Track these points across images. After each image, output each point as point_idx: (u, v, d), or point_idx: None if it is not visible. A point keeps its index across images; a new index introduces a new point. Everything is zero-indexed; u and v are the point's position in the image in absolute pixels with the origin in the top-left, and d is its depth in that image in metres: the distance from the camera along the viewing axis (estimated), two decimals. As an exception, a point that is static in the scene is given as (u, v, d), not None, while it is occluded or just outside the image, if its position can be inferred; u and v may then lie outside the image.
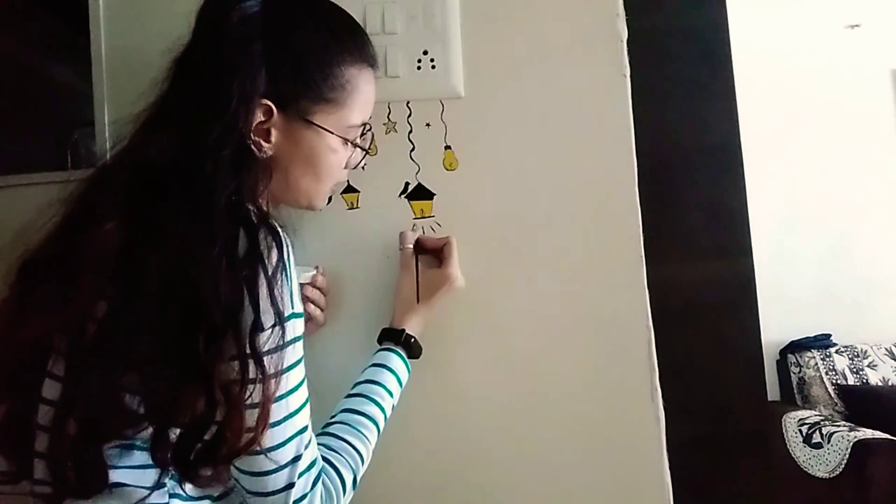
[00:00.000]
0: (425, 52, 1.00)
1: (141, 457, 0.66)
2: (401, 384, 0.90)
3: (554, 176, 1.00)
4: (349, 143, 0.83)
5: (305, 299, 0.94)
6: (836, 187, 3.38)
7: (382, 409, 0.85)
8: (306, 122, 0.78)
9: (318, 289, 0.97)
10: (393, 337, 0.92)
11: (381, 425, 0.84)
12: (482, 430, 0.99)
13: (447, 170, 1.01)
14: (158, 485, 0.65)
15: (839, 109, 3.39)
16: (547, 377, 0.99)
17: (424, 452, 0.98)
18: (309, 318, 0.95)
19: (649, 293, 0.98)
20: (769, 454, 1.08)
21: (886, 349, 3.13)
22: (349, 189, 1.00)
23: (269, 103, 0.75)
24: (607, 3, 1.01)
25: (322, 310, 0.98)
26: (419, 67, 1.00)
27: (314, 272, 0.96)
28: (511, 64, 1.01)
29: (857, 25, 3.31)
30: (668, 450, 0.97)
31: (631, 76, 1.00)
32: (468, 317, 0.99)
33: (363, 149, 0.87)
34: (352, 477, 0.77)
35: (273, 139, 0.77)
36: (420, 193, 1.01)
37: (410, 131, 1.01)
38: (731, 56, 1.09)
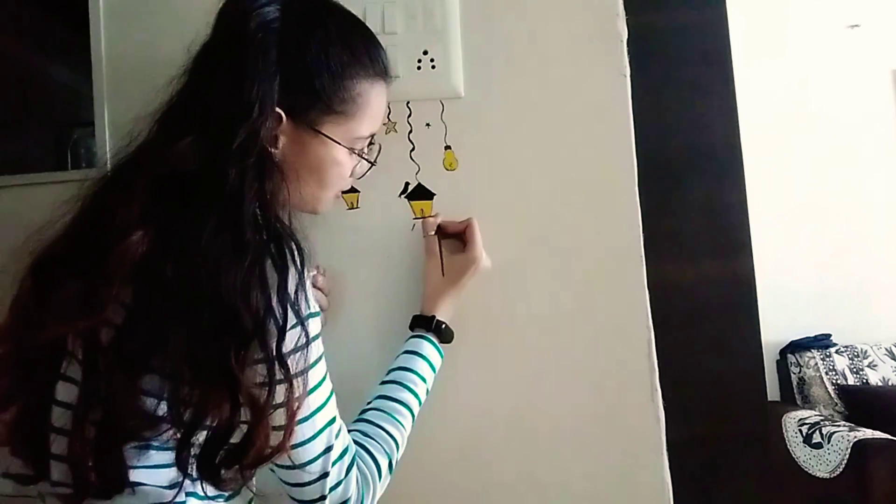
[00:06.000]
0: (425, 52, 1.00)
1: (157, 456, 0.67)
2: (434, 370, 0.92)
3: (554, 176, 1.00)
4: (355, 154, 0.83)
5: None
6: (836, 187, 3.38)
7: (416, 395, 0.88)
8: (315, 131, 0.78)
9: (319, 289, 0.97)
10: (424, 324, 0.94)
11: (416, 410, 0.87)
12: (481, 429, 0.99)
13: (447, 170, 1.01)
14: (175, 484, 0.67)
15: (839, 109, 3.39)
16: (547, 377, 0.99)
17: (423, 452, 0.98)
18: None
19: (649, 293, 0.98)
20: (769, 454, 1.07)
21: (886, 349, 3.13)
22: (349, 189, 1.00)
23: (281, 111, 0.75)
24: (607, 3, 1.01)
25: (323, 310, 0.98)
26: (419, 67, 1.00)
27: (314, 272, 0.96)
28: (511, 64, 1.01)
29: (857, 25, 3.31)
30: (668, 450, 0.97)
31: (631, 76, 1.00)
32: (468, 317, 0.99)
33: (369, 161, 0.87)
34: (387, 461, 0.80)
35: (280, 145, 0.77)
36: (420, 193, 1.01)
37: (410, 131, 1.01)
38: (731, 56, 1.09)
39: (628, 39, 1.00)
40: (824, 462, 2.56)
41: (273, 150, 0.76)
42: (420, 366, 0.90)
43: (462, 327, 0.98)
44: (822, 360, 3.06)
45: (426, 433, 0.98)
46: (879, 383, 3.02)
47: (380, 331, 0.99)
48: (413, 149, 1.01)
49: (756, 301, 1.07)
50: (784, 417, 2.82)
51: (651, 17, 1.06)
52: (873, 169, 3.42)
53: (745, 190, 1.08)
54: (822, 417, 2.78)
